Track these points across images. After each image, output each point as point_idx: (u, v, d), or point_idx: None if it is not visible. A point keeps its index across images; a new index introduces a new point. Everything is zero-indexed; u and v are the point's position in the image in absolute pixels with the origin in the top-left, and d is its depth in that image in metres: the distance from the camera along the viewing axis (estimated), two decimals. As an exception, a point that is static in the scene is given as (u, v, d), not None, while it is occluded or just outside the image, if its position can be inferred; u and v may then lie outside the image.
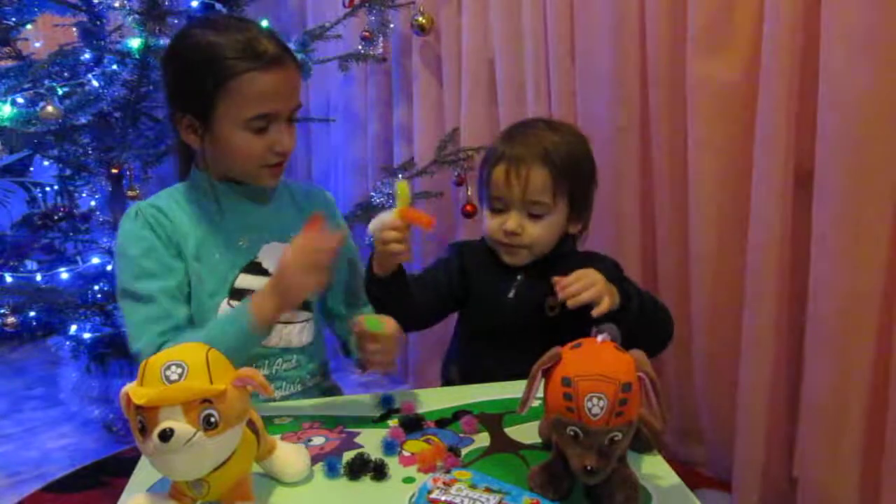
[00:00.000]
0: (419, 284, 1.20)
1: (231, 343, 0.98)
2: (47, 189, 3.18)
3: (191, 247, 1.10)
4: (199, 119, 1.08)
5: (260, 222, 1.16)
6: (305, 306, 1.19)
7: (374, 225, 1.05)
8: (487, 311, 1.21)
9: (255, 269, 1.13)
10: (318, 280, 1.01)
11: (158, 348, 1.02)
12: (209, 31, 1.08)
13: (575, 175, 1.15)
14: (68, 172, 2.36)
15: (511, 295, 1.20)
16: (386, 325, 1.05)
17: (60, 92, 1.97)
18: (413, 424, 0.97)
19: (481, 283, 1.23)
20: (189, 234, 1.10)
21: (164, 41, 1.92)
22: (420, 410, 1.01)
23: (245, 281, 1.13)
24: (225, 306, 1.12)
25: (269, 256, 1.14)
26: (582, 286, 1.03)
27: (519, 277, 1.20)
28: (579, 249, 1.26)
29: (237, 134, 1.07)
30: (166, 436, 0.66)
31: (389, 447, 0.90)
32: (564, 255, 1.20)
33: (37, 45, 2.62)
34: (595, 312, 1.00)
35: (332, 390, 1.28)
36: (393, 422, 0.98)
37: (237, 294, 1.12)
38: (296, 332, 1.18)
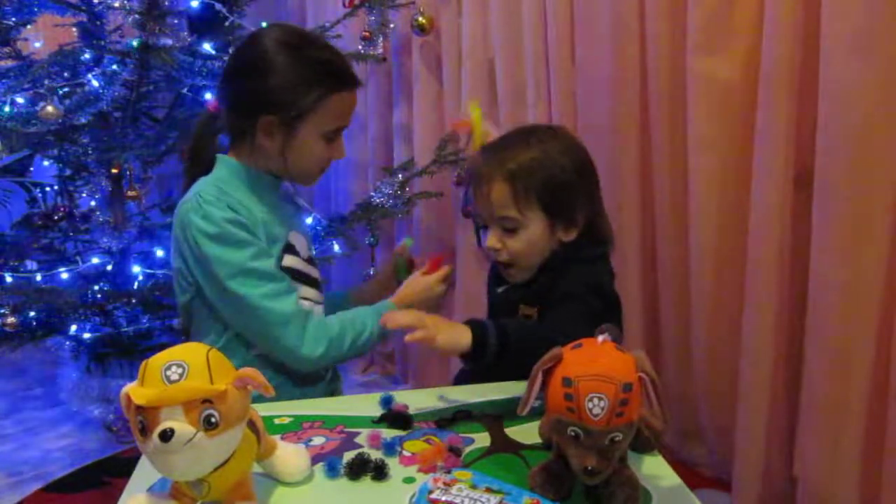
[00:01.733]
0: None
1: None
2: (47, 189, 3.17)
3: (260, 233, 1.18)
4: (284, 122, 1.17)
5: (286, 214, 1.29)
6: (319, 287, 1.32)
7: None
8: (485, 303, 1.26)
9: (291, 250, 1.24)
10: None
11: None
12: (316, 45, 1.21)
13: (544, 187, 1.11)
14: (68, 172, 2.36)
15: (500, 290, 1.21)
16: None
17: (60, 92, 1.96)
18: (400, 420, 0.97)
19: (489, 277, 1.27)
20: (257, 221, 1.19)
21: (165, 41, 1.92)
22: (420, 411, 1.01)
23: (288, 261, 1.23)
24: None
25: (296, 241, 1.26)
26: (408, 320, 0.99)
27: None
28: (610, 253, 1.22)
29: (315, 142, 1.21)
30: (167, 436, 0.66)
31: (389, 447, 0.90)
32: (555, 265, 1.15)
33: (37, 45, 2.62)
34: (407, 338, 0.96)
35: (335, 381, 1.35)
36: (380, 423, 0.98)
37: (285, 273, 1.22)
38: (320, 313, 1.29)
